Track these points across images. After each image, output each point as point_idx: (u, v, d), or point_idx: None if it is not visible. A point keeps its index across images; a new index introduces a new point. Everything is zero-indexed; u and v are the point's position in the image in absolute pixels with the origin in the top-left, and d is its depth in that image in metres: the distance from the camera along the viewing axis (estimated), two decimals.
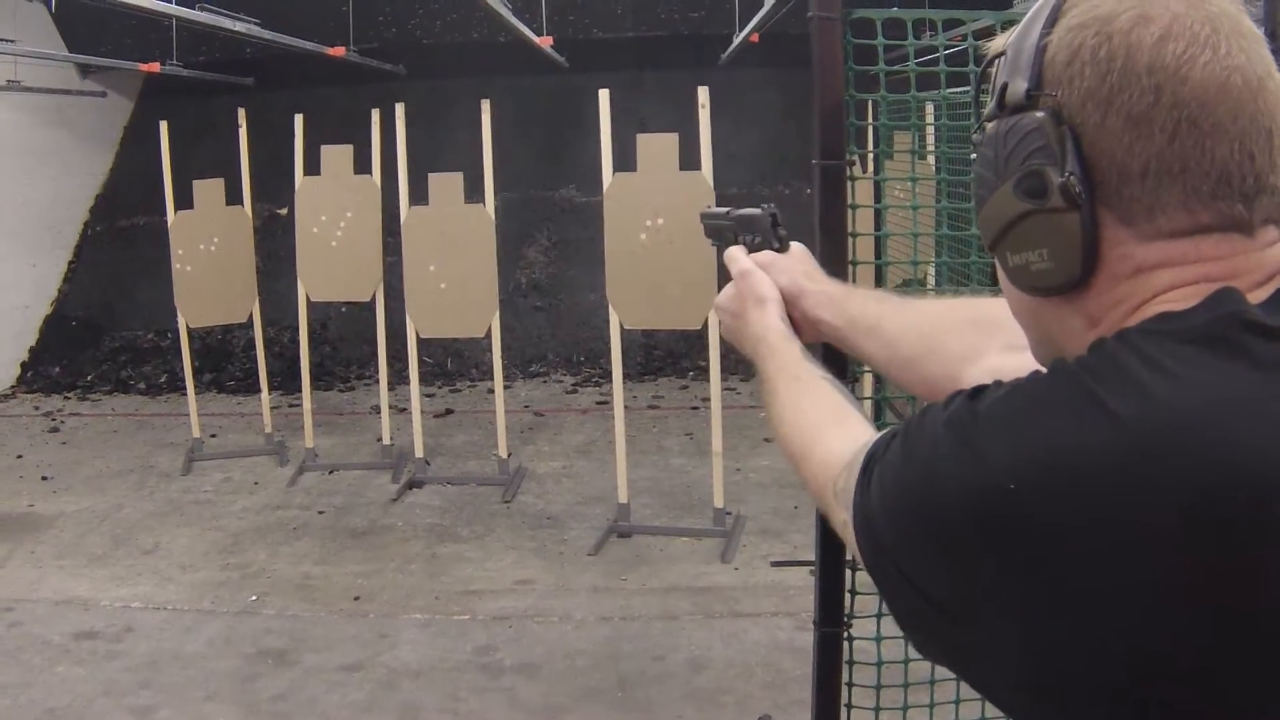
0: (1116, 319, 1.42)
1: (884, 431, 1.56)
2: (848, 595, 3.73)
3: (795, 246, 2.37)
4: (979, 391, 1.42)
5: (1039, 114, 1.43)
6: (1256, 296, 1.36)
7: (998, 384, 1.41)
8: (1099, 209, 1.40)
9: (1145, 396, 1.27)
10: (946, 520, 1.34)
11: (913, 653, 4.35)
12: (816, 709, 3.48)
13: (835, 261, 3.02)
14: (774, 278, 2.29)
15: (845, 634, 3.69)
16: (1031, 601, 1.28)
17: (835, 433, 1.83)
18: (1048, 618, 1.27)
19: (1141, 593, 1.22)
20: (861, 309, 2.23)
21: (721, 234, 2.52)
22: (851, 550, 1.60)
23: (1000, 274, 1.57)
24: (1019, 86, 1.46)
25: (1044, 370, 1.42)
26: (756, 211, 2.39)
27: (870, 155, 6.39)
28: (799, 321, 2.27)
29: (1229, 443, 1.23)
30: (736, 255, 2.37)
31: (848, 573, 3.59)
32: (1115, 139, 1.38)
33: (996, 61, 1.54)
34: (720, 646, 6.93)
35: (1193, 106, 1.35)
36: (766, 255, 2.33)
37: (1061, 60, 1.42)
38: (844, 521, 1.59)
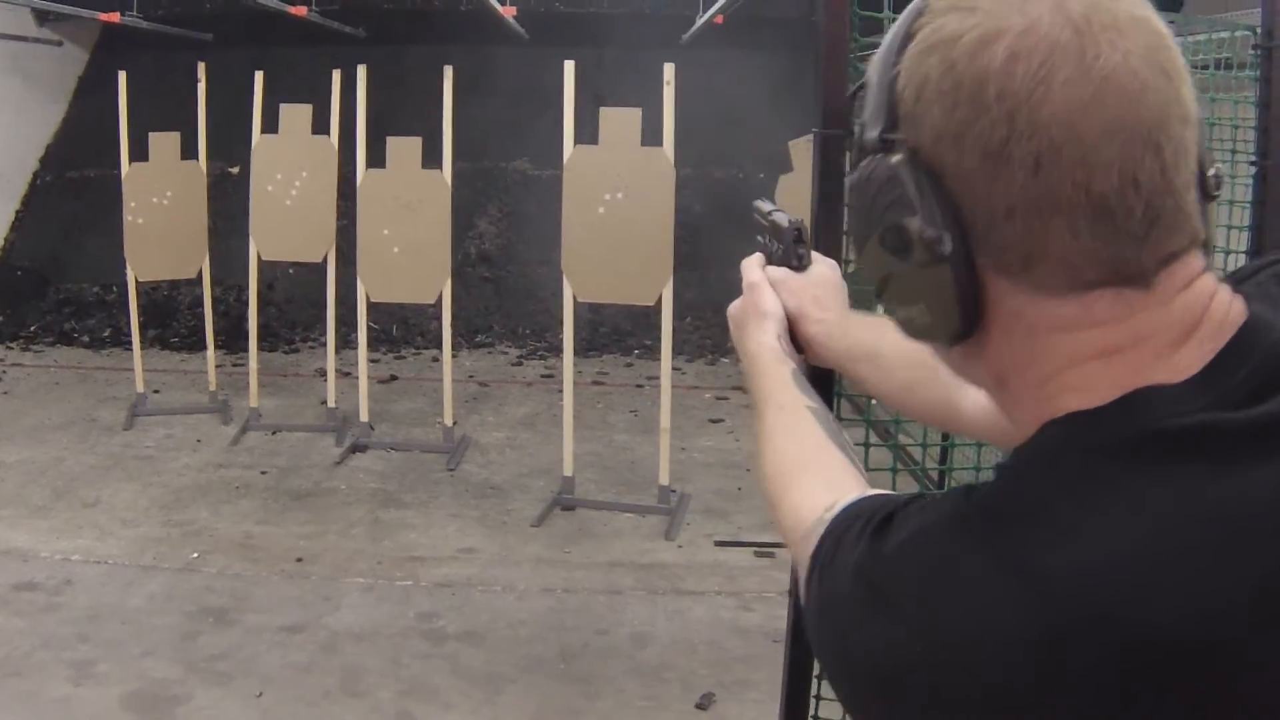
0: (1025, 391, 1.31)
1: (829, 526, 1.45)
2: None
3: (819, 268, 2.20)
4: (887, 522, 1.31)
5: (895, 159, 1.29)
6: (1176, 365, 1.22)
7: (905, 515, 1.30)
8: (976, 256, 1.26)
9: (1059, 551, 1.14)
10: (856, 682, 1.29)
11: None
12: (788, 680, 3.49)
13: (830, 231, 3.01)
14: (783, 296, 2.16)
15: None
16: None
17: (806, 482, 1.71)
18: None
19: None
20: (859, 337, 2.12)
21: (761, 232, 2.37)
22: None
23: None
24: (874, 128, 1.33)
25: (953, 499, 1.28)
26: (784, 223, 2.25)
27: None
28: (803, 343, 2.15)
29: (1152, 603, 1.10)
30: (750, 265, 2.24)
31: None
32: (974, 179, 1.23)
33: (860, 95, 1.41)
34: (664, 623, 6.96)
35: (1054, 132, 1.18)
36: (781, 272, 2.21)
37: (910, 95, 1.27)
38: (805, 579, 1.49)
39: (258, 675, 6.24)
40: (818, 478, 1.69)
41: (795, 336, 2.15)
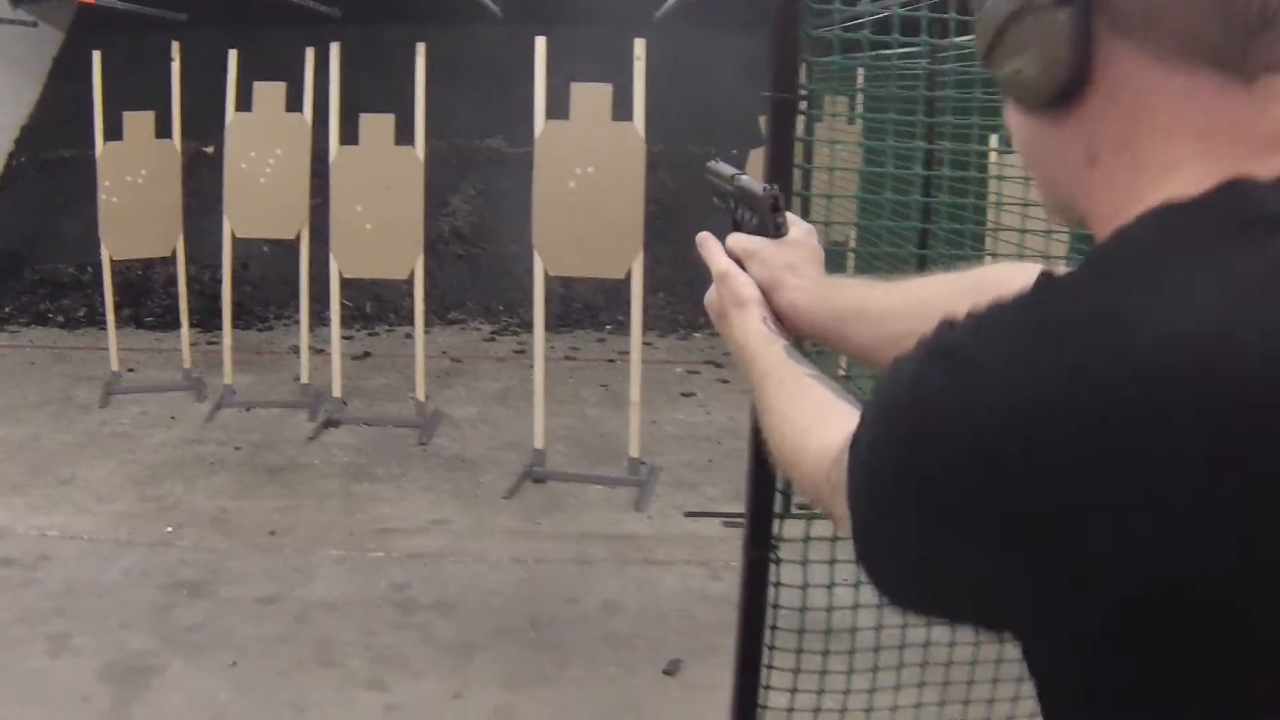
0: (1118, 171, 1.30)
1: (860, 417, 1.38)
2: (775, 521, 3.83)
3: (796, 232, 2.17)
4: (952, 322, 1.26)
5: None
6: (1261, 168, 1.22)
7: (970, 312, 1.24)
8: (1094, 12, 1.26)
9: (1168, 305, 1.12)
10: (945, 456, 1.18)
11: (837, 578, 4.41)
12: (742, 633, 3.59)
13: (781, 191, 3.07)
14: (754, 268, 2.13)
15: (772, 558, 3.80)
16: (1047, 528, 1.12)
17: (822, 432, 1.65)
18: (1066, 542, 1.12)
19: (1159, 508, 1.08)
20: (845, 296, 2.09)
21: (722, 196, 2.34)
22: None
23: (1006, 109, 1.45)
24: None
25: (1030, 288, 1.22)
26: (758, 191, 2.19)
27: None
28: (780, 313, 2.10)
29: (1251, 367, 1.07)
30: (714, 253, 2.19)
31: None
32: None
33: None
34: (634, 592, 7.04)
35: None
36: (753, 241, 2.15)
37: None
38: (843, 515, 1.40)
39: (232, 646, 6.30)
40: (834, 425, 1.63)
41: (772, 308, 2.11)
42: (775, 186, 2.17)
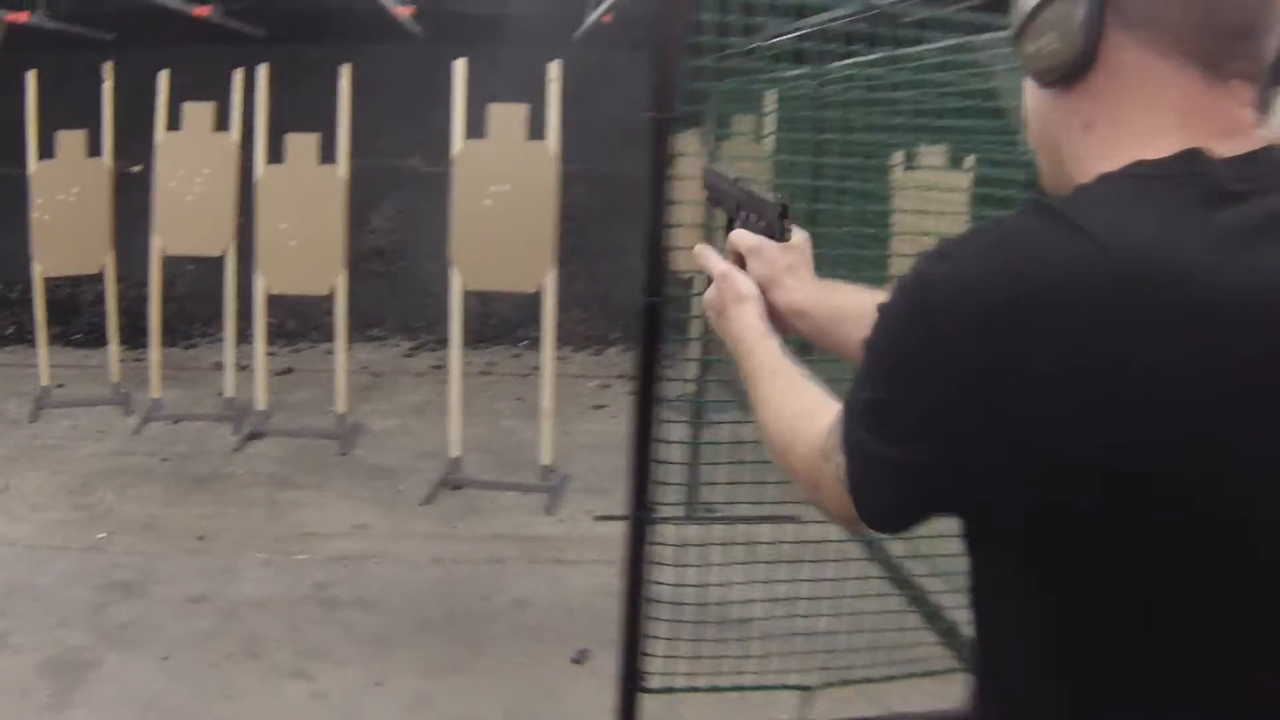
0: (1108, 135, 1.58)
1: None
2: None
3: (796, 238, 2.31)
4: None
5: None
6: (1221, 148, 1.51)
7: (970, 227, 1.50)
8: (1107, 7, 1.54)
9: (1122, 226, 1.41)
10: (938, 330, 1.45)
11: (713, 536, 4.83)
12: (627, 586, 3.96)
13: (660, 201, 3.33)
14: (755, 265, 2.27)
15: (649, 518, 4.19)
16: (1009, 401, 1.41)
17: (820, 419, 1.81)
18: (1023, 411, 1.40)
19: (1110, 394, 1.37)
20: (843, 298, 2.24)
21: (722, 198, 2.50)
22: (845, 509, 1.68)
23: (1025, 84, 1.74)
24: None
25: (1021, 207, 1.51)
26: (768, 198, 2.33)
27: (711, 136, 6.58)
28: (775, 312, 2.25)
29: (1198, 280, 1.37)
30: (710, 258, 2.34)
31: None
32: None
33: None
34: (544, 589, 7.32)
35: None
36: (757, 240, 2.29)
37: None
38: (838, 465, 1.65)
39: (164, 641, 6.53)
40: (828, 413, 1.80)
41: (768, 305, 2.25)
42: (785, 195, 2.32)
